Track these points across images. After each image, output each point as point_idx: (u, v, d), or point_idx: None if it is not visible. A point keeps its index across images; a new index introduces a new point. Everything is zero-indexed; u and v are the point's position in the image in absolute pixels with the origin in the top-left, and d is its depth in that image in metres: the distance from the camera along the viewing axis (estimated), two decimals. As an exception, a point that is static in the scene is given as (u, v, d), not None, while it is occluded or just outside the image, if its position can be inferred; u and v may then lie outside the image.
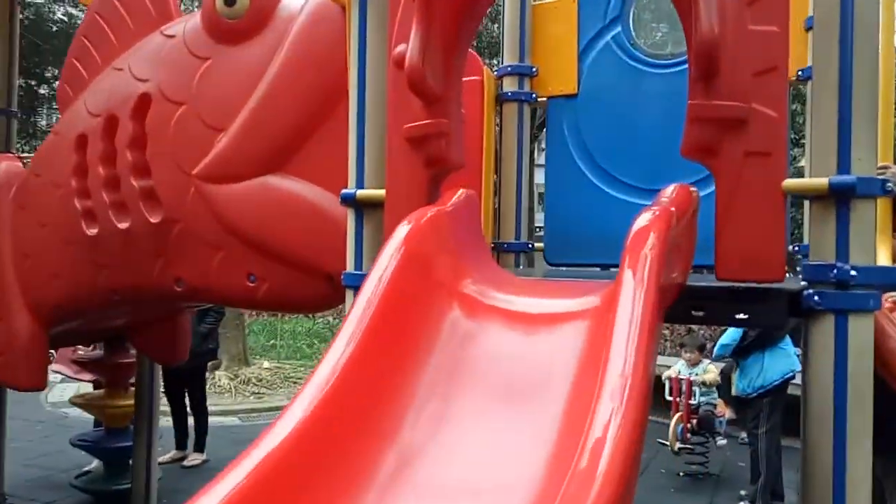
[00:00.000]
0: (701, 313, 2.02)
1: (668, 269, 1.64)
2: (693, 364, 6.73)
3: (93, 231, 3.34)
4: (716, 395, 6.65)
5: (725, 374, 6.61)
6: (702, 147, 1.91)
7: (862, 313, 1.82)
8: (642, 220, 1.64)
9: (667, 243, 1.60)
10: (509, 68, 3.73)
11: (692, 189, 1.92)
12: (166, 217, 3.13)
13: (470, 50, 3.95)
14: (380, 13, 2.43)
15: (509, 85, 3.74)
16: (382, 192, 2.35)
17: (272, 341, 14.16)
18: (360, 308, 1.65)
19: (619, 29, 3.67)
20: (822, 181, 1.81)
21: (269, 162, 2.93)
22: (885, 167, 2.19)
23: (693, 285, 1.97)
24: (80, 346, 6.25)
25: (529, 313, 1.83)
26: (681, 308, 1.97)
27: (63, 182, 3.45)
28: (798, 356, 5.56)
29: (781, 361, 5.60)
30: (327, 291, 2.81)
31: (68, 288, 3.53)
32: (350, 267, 2.49)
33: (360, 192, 2.43)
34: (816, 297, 1.83)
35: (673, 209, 1.72)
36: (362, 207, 2.45)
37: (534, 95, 3.74)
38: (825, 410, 1.82)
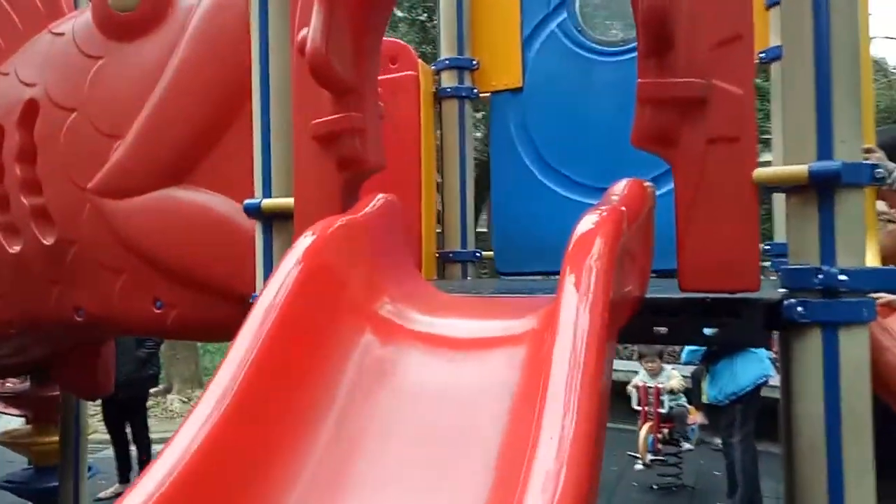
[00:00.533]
0: (664, 330, 1.70)
1: (620, 280, 1.34)
2: (655, 373, 6.46)
3: (-18, 257, 2.94)
4: (684, 400, 6.39)
5: (696, 379, 6.33)
6: (656, 135, 1.60)
7: (855, 325, 1.52)
8: (586, 223, 1.33)
9: (616, 250, 1.29)
10: (447, 62, 3.42)
11: (646, 184, 1.61)
12: (60, 238, 2.74)
13: (403, 42, 3.64)
14: (281, -6, 2.09)
15: (448, 80, 3.42)
16: (291, 200, 2.00)
17: (229, 360, 13.68)
18: (242, 343, 1.32)
19: (564, 15, 3.38)
20: (801, 169, 1.51)
21: (171, 171, 2.56)
22: (870, 150, 1.91)
23: (653, 298, 1.66)
24: (9, 380, 5.79)
25: (456, 338, 1.52)
26: (639, 325, 1.66)
27: (-47, 203, 3.03)
28: (772, 360, 5.32)
29: (753, 366, 5.33)
30: (242, 316, 2.45)
31: (-38, 320, 3.11)
32: (260, 287, 2.15)
33: (267, 202, 2.08)
34: (800, 308, 1.53)
35: (623, 209, 1.42)
36: (270, 219, 2.10)
37: (475, 91, 3.43)
38: (816, 443, 1.52)
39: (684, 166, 1.59)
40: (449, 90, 3.39)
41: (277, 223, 2.10)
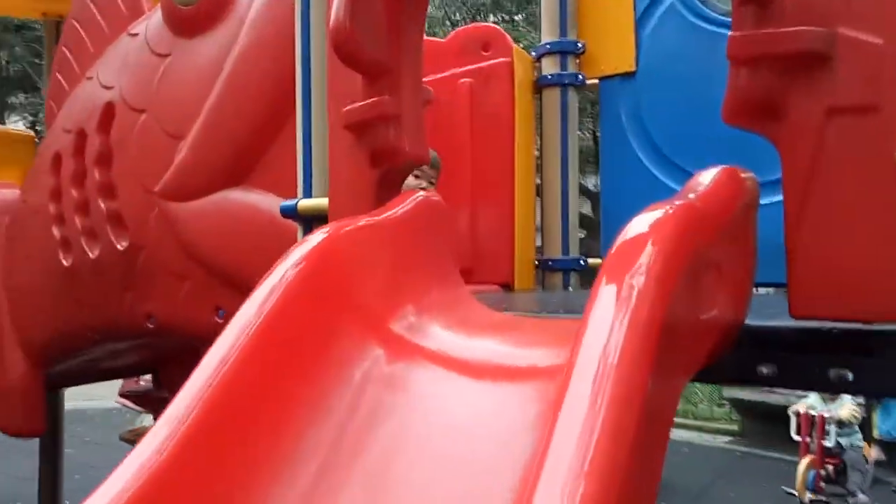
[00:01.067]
0: (770, 370, 1.27)
1: (694, 300, 0.97)
2: (828, 399, 5.57)
3: (69, 261, 2.92)
4: (859, 435, 5.47)
5: (865, 411, 5.43)
6: (755, 105, 1.19)
7: None
8: (637, 224, 0.96)
9: (682, 259, 0.92)
10: (548, 46, 3.06)
11: (744, 174, 1.20)
12: (132, 243, 2.66)
13: (494, 25, 3.31)
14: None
15: (550, 66, 3.06)
16: (326, 200, 1.74)
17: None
18: (217, 353, 1.10)
19: (685, -17, 2.92)
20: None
21: (231, 172, 2.40)
22: None
23: (756, 326, 1.24)
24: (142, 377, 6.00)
25: (481, 366, 1.23)
26: (737, 361, 1.25)
27: (42, 208, 3.06)
28: None
29: None
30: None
31: (53, 325, 3.13)
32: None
33: (303, 203, 1.84)
34: (969, 346, 1.07)
35: (700, 206, 1.03)
36: (310, 222, 1.85)
37: (581, 77, 3.03)
38: None
39: (795, 147, 1.16)
40: (550, 77, 3.03)
41: (319, 225, 1.83)
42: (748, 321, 1.23)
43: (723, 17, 2.84)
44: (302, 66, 1.89)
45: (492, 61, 2.90)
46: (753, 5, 1.18)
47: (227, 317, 2.41)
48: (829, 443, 5.36)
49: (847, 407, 5.41)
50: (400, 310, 1.31)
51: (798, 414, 5.65)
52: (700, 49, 2.88)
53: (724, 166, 1.19)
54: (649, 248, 0.91)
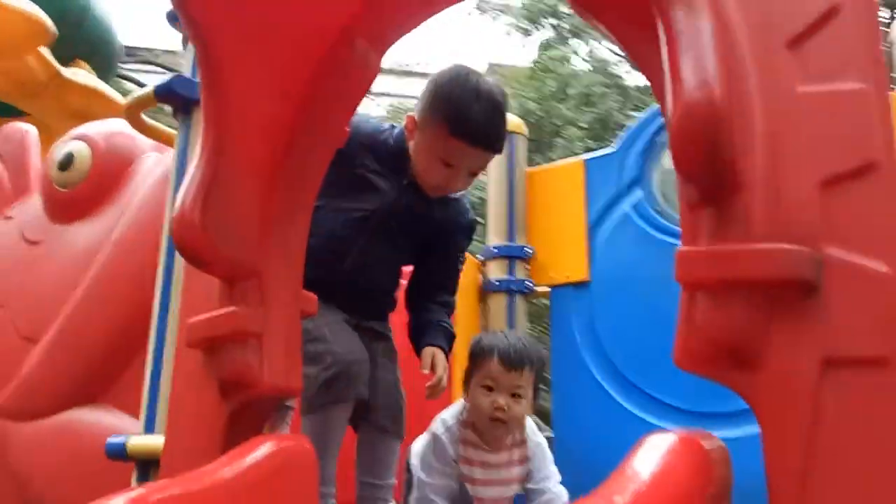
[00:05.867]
0: None
1: None
2: None
3: None
4: None
5: None
6: (717, 347, 0.83)
7: None
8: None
9: None
10: (495, 250, 2.80)
11: (709, 445, 0.82)
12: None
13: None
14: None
15: (496, 271, 2.79)
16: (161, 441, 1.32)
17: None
18: None
19: (640, 194, 2.74)
20: None
21: (82, 387, 1.95)
22: None
23: None
24: None
25: None
26: None
27: None
28: None
29: None
30: None
31: None
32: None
33: (135, 441, 1.40)
34: None
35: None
36: (147, 467, 1.41)
37: (530, 284, 2.75)
38: None
39: (778, 412, 0.79)
40: (496, 283, 2.74)
41: (157, 471, 1.39)
42: None
43: (680, 229, 2.61)
44: (166, 261, 1.54)
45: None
46: (710, 209, 0.86)
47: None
48: None
49: None
50: None
51: None
52: (658, 261, 2.61)
53: (678, 434, 0.81)
54: None
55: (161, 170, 2.10)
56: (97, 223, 2.14)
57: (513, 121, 3.08)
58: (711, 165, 0.83)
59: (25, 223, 2.31)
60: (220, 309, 1.23)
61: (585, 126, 10.65)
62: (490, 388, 1.64)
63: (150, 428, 1.44)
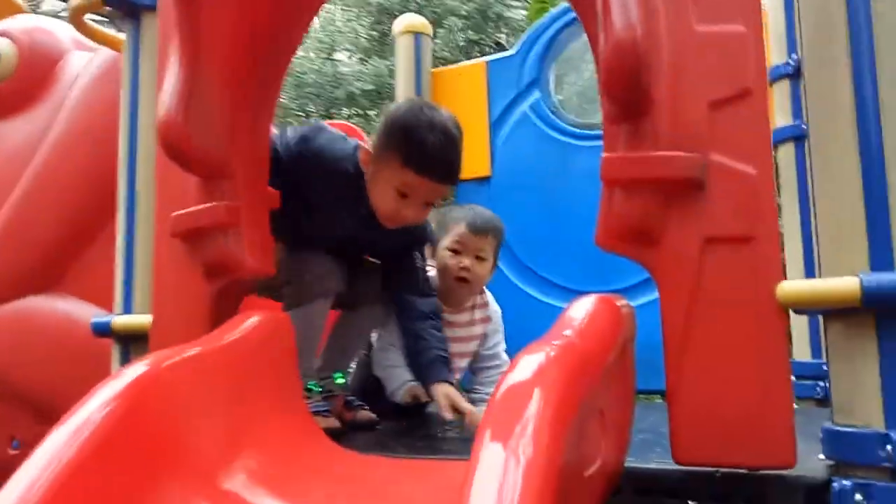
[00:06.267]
0: (653, 519, 1.15)
1: (579, 450, 0.83)
2: None
3: None
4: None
5: None
6: (629, 230, 1.11)
7: (946, 527, 0.98)
8: (523, 367, 0.82)
9: (571, 411, 0.78)
10: (404, 146, 2.96)
11: (621, 304, 1.10)
12: None
13: (350, 124, 3.22)
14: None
15: (405, 167, 2.95)
16: (149, 319, 1.49)
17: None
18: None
19: (537, 95, 2.97)
20: (848, 283, 1.00)
21: (35, 276, 2.05)
22: None
23: (638, 469, 1.13)
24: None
25: None
26: (618, 509, 1.12)
27: None
28: None
29: None
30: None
31: None
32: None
33: (119, 320, 1.57)
34: (859, 496, 0.99)
35: (581, 346, 0.90)
36: (127, 342, 1.58)
37: (436, 179, 2.96)
38: None
39: (672, 277, 1.09)
40: (405, 179, 2.92)
41: (137, 346, 1.57)
42: (628, 462, 1.11)
43: (574, 129, 2.89)
44: (128, 160, 1.65)
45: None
46: (626, 124, 1.11)
47: (24, 447, 2.04)
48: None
49: None
50: (235, 460, 1.09)
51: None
52: (553, 157, 2.91)
53: (598, 295, 1.09)
54: (536, 398, 0.76)
55: (94, 69, 2.13)
56: (29, 119, 2.16)
57: (420, 22, 3.22)
58: (632, 91, 1.07)
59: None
60: (200, 204, 1.40)
61: (465, 15, 10.72)
62: (457, 252, 1.87)
63: (127, 309, 1.60)
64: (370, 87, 10.57)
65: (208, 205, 1.38)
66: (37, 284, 2.07)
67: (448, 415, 1.60)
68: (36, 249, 2.08)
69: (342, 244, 1.71)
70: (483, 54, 10.78)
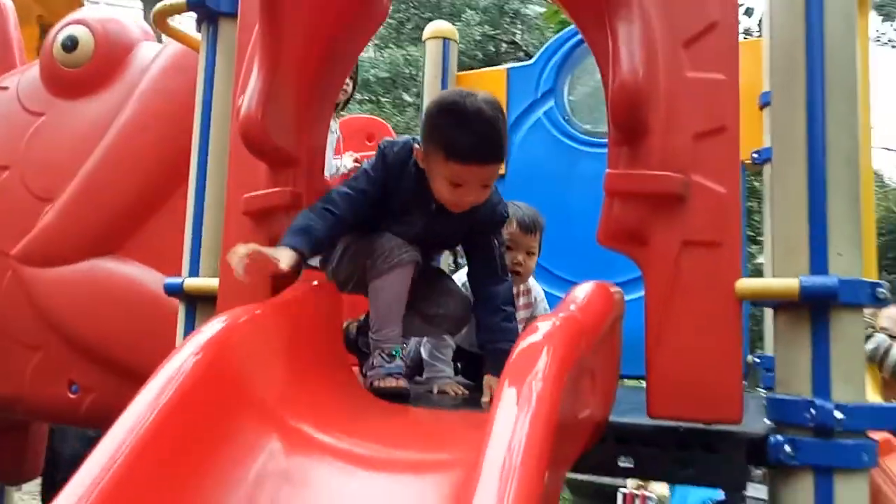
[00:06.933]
0: (630, 463, 1.44)
1: (574, 401, 1.10)
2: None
3: None
4: (670, 514, 5.95)
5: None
6: (624, 232, 1.39)
7: (854, 472, 1.27)
8: (534, 332, 1.09)
9: (569, 366, 1.05)
10: (427, 143, 3.24)
11: (613, 289, 1.38)
12: (-27, 305, 2.49)
13: (377, 118, 3.49)
14: (232, 59, 1.91)
15: (427, 162, 3.23)
16: (217, 281, 1.77)
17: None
18: (102, 453, 1.03)
19: (552, 103, 3.24)
20: (791, 283, 1.29)
21: (102, 241, 2.34)
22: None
23: (618, 423, 1.41)
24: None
25: (376, 459, 1.25)
26: (601, 455, 1.41)
27: None
28: None
29: (699, 490, 4.99)
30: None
31: None
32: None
33: (190, 282, 1.85)
34: (788, 448, 1.28)
35: (581, 319, 1.18)
36: (194, 301, 1.87)
37: (455, 175, 3.24)
38: None
39: (655, 270, 1.37)
40: (426, 172, 3.20)
41: (202, 306, 1.85)
42: (611, 418, 1.39)
43: (582, 136, 3.17)
44: (199, 144, 1.93)
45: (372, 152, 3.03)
46: (626, 147, 1.39)
47: (82, 392, 2.32)
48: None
49: (662, 484, 5.88)
50: (296, 401, 1.33)
51: (625, 495, 6.05)
52: (562, 161, 3.19)
53: (596, 281, 1.37)
54: (544, 356, 1.04)
55: (163, 61, 2.42)
56: (103, 100, 2.44)
57: (447, 28, 3.49)
58: (632, 120, 1.35)
59: (24, 94, 2.56)
60: (269, 188, 1.68)
61: (483, 8, 10.93)
62: (509, 248, 2.05)
63: (194, 272, 1.88)
64: (385, 74, 10.79)
65: (276, 189, 1.66)
66: (101, 249, 2.35)
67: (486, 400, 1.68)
68: (103, 217, 2.36)
69: (422, 240, 1.78)
70: (498, 51, 11.01)
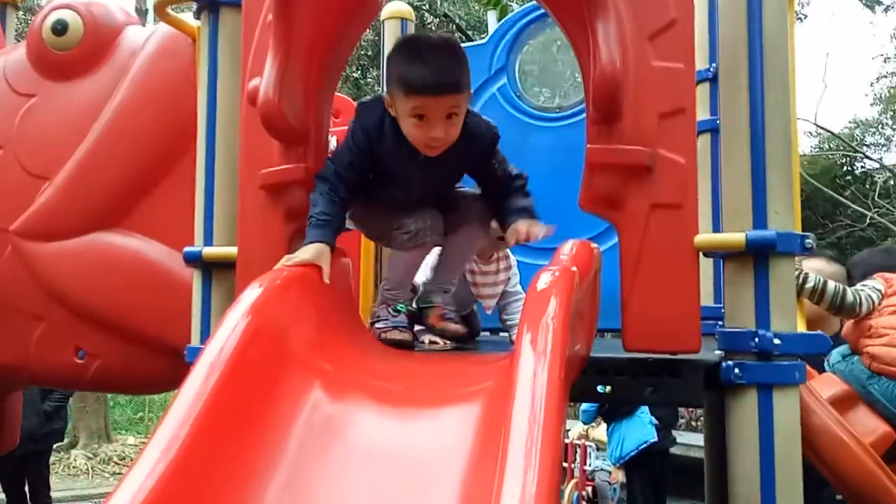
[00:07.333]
0: (607, 389, 1.73)
1: (573, 339, 1.36)
2: (595, 425, 6.50)
3: None
4: (608, 463, 6.40)
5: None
6: (603, 198, 1.66)
7: (788, 387, 1.59)
8: (541, 281, 1.35)
9: (570, 308, 1.31)
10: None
11: (593, 245, 1.66)
12: (-26, 279, 2.59)
13: (341, 95, 3.66)
14: (233, 45, 2.09)
15: (389, 136, 3.44)
16: (234, 249, 1.96)
17: (140, 414, 12.98)
18: (186, 399, 1.25)
19: (504, 80, 3.49)
20: (738, 236, 1.59)
21: (103, 215, 2.48)
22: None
23: (597, 357, 1.69)
24: None
25: (409, 396, 1.49)
26: (584, 383, 1.69)
27: None
28: (654, 425, 5.45)
29: (638, 431, 5.43)
30: (173, 369, 2.35)
31: None
32: (196, 340, 2.08)
33: (208, 250, 2.03)
34: (737, 370, 1.59)
35: (574, 269, 1.44)
36: (210, 268, 2.05)
37: (415, 149, 3.46)
38: (751, 498, 1.56)
39: (629, 230, 1.65)
40: (388, 146, 3.41)
41: (218, 272, 2.05)
42: (592, 354, 1.68)
43: (534, 111, 3.44)
44: (207, 125, 2.10)
45: (342, 127, 3.22)
46: (604, 126, 1.66)
47: (89, 358, 2.47)
48: (588, 467, 6.21)
49: (601, 430, 6.32)
50: (330, 353, 1.51)
51: (566, 444, 6.48)
52: (516, 135, 3.44)
53: (579, 240, 1.64)
54: (553, 301, 1.29)
55: (155, 44, 2.54)
56: (95, 81, 2.55)
57: (406, 9, 3.67)
58: (610, 104, 1.61)
59: (11, 76, 2.64)
60: (282, 164, 1.88)
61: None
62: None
63: (208, 241, 2.06)
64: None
65: (290, 165, 1.86)
66: (103, 222, 2.49)
67: (511, 241, 1.78)
68: (103, 192, 2.49)
69: (427, 194, 1.85)
70: (423, 23, 11.21)
